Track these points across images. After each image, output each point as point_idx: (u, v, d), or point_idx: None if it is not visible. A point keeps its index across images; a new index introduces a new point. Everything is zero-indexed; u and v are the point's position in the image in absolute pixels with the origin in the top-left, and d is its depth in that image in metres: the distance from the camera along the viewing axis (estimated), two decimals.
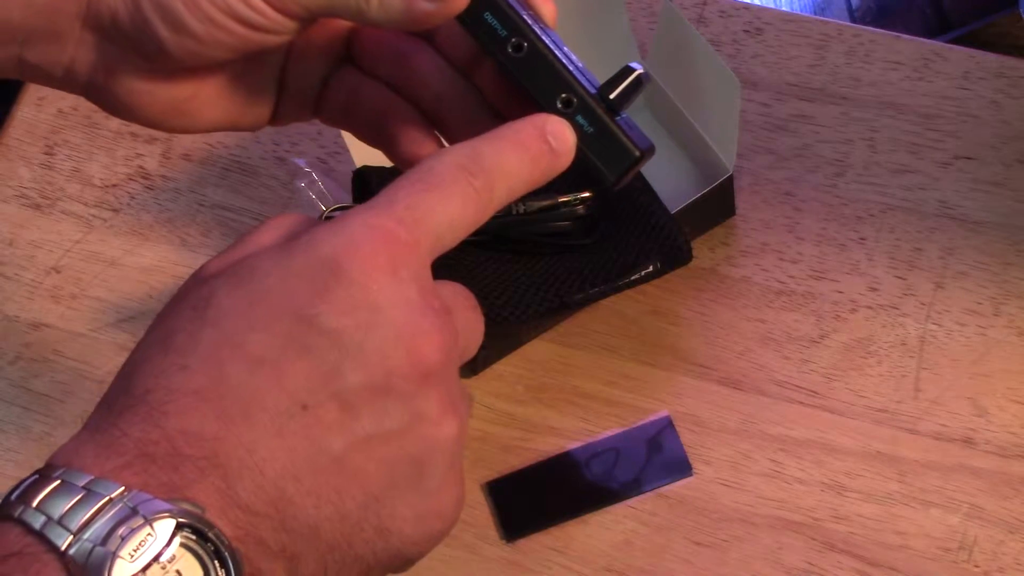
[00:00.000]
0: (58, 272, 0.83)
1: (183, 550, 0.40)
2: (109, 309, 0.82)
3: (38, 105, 0.88)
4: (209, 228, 0.83)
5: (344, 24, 0.54)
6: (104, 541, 0.39)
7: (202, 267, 0.46)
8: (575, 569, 0.72)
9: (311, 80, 0.55)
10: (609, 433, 0.75)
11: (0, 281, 0.83)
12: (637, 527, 0.72)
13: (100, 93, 0.53)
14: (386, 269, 0.43)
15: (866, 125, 0.81)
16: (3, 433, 0.79)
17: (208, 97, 0.53)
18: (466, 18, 0.49)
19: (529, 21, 0.49)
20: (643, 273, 0.74)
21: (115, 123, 0.87)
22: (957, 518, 0.71)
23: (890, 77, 0.82)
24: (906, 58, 0.82)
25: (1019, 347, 0.74)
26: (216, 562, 0.40)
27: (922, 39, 0.83)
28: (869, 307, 0.76)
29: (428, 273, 0.45)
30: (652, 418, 0.75)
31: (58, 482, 0.40)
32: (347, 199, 0.78)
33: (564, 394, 0.76)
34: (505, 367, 0.77)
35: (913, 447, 0.73)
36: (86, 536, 0.39)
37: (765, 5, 0.88)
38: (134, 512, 0.39)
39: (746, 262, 0.78)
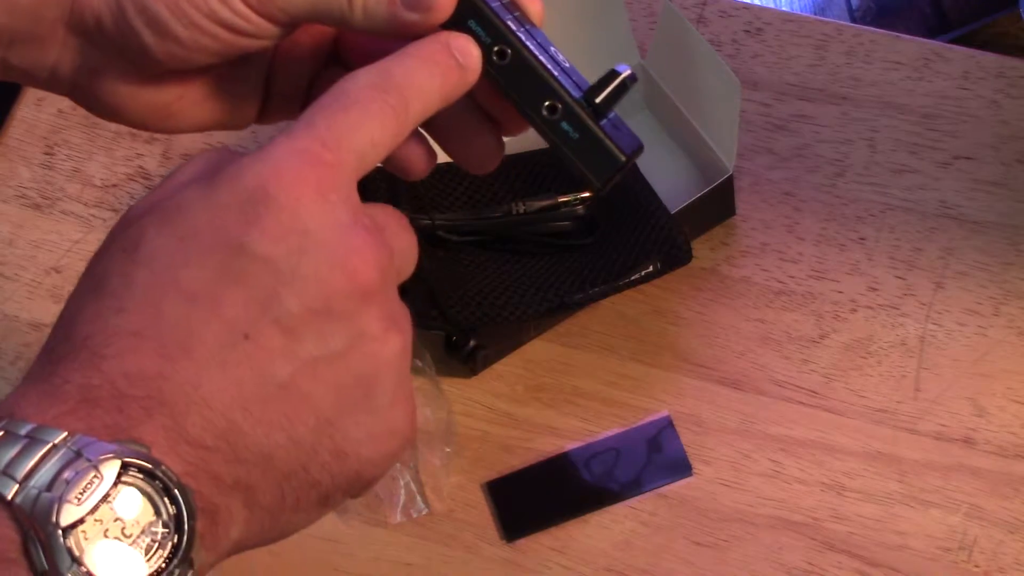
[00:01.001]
0: (58, 272, 0.83)
1: (131, 489, 0.40)
2: None
3: (38, 105, 0.88)
4: None
5: (330, 28, 0.54)
6: (49, 487, 0.39)
7: (129, 209, 0.45)
8: (575, 569, 0.72)
9: (298, 81, 0.55)
10: (609, 433, 0.75)
11: (0, 281, 0.83)
12: (637, 527, 0.72)
13: (85, 94, 0.53)
14: (314, 192, 0.43)
15: (866, 125, 0.81)
16: None
17: (193, 99, 0.53)
18: (450, 25, 0.49)
19: (513, 26, 0.49)
20: (643, 273, 0.74)
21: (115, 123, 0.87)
22: (957, 518, 0.71)
23: (890, 77, 0.82)
24: (906, 58, 0.82)
25: (1019, 347, 0.74)
26: (166, 499, 0.40)
27: (922, 39, 0.83)
28: (869, 307, 0.76)
29: (355, 193, 0.44)
30: (652, 418, 0.75)
31: (0, 433, 0.40)
32: None
33: (564, 394, 0.76)
34: (505, 367, 0.77)
35: (913, 447, 0.73)
36: (32, 483, 0.39)
37: (765, 5, 0.88)
38: (78, 455, 0.39)
39: (746, 262, 0.78)
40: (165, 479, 0.40)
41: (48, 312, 0.82)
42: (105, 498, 0.39)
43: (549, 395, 0.76)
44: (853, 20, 1.20)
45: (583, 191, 0.75)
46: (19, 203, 0.85)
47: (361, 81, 0.46)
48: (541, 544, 0.73)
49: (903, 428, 0.73)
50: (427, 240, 0.75)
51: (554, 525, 0.73)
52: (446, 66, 0.47)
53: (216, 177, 0.43)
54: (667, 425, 0.74)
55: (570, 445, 0.75)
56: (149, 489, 0.40)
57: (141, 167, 0.86)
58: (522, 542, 0.73)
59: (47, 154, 0.87)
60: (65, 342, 0.42)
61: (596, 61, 0.79)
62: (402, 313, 0.45)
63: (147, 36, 0.49)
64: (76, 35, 0.51)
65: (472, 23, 0.48)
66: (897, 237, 0.78)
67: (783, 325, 0.76)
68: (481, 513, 0.74)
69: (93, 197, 0.85)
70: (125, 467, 0.39)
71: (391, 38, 0.50)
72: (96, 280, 0.43)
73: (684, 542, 0.72)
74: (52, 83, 0.53)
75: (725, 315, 0.77)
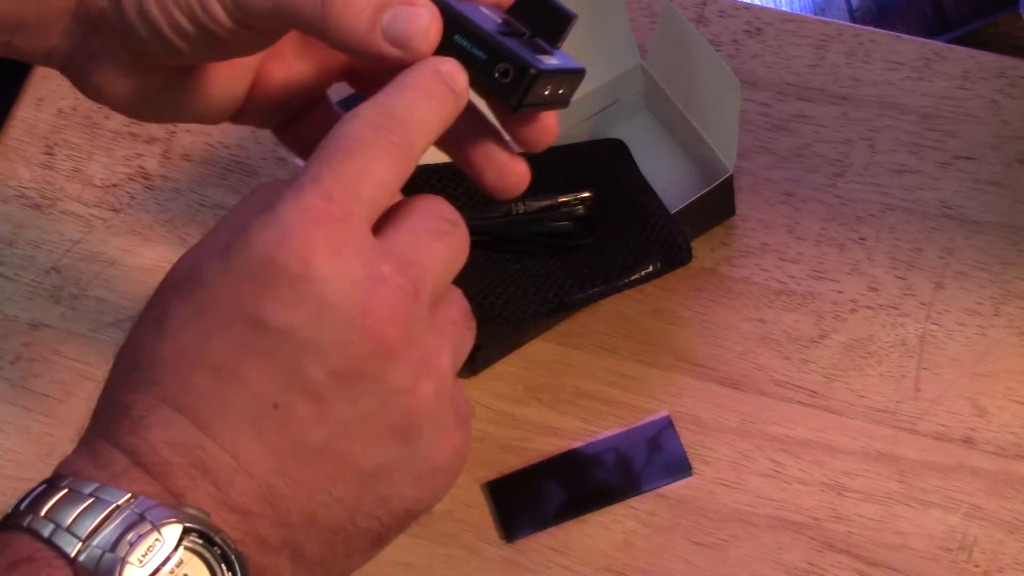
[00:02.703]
0: (58, 272, 0.83)
1: (190, 554, 0.40)
2: (109, 309, 0.82)
3: (38, 105, 0.88)
4: (209, 228, 0.83)
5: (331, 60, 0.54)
6: (113, 547, 0.40)
7: (165, 278, 0.46)
8: (575, 569, 0.72)
9: (281, 102, 0.55)
10: (609, 433, 0.75)
11: (0, 281, 0.83)
12: (637, 527, 0.72)
13: (76, 73, 0.53)
14: (325, 252, 0.42)
15: (866, 125, 0.81)
16: (3, 433, 0.79)
17: (175, 94, 0.53)
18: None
19: (487, 25, 0.48)
20: (643, 273, 0.73)
21: (115, 123, 0.87)
22: (957, 518, 0.71)
23: (890, 77, 0.82)
24: (906, 58, 0.82)
25: (1019, 347, 0.74)
26: (223, 565, 0.41)
27: (922, 39, 0.83)
28: (869, 307, 0.76)
29: (370, 240, 0.44)
30: (652, 418, 0.75)
31: (65, 491, 0.41)
32: None
33: (564, 394, 0.76)
34: (505, 367, 0.77)
35: (913, 447, 0.73)
36: (95, 543, 0.40)
37: (765, 5, 0.88)
38: (141, 518, 0.40)
39: (746, 262, 0.78)
40: (224, 546, 0.41)
41: (48, 312, 0.82)
42: (166, 561, 0.40)
43: (549, 395, 0.76)
44: (853, 20, 1.20)
45: (583, 191, 0.76)
46: (19, 203, 0.85)
47: (363, 121, 0.45)
48: (541, 544, 0.73)
49: (903, 428, 0.73)
50: None
51: (554, 525, 0.73)
52: (442, 95, 0.47)
53: (229, 247, 0.43)
54: (667, 425, 0.74)
55: (570, 445, 0.75)
56: (207, 555, 0.41)
57: (141, 167, 0.86)
58: (522, 542, 0.73)
59: (47, 154, 0.87)
60: (111, 407, 0.44)
61: (596, 61, 0.80)
62: (435, 349, 0.45)
63: (142, 31, 0.49)
64: (80, 23, 0.51)
65: (458, 38, 0.47)
66: (897, 237, 0.78)
67: (783, 325, 0.76)
68: (481, 513, 0.74)
69: (93, 197, 0.85)
70: (186, 532, 0.40)
71: (363, 62, 0.49)
72: (132, 352, 0.44)
73: (684, 542, 0.72)
74: (47, 61, 0.53)
75: (725, 315, 0.77)
